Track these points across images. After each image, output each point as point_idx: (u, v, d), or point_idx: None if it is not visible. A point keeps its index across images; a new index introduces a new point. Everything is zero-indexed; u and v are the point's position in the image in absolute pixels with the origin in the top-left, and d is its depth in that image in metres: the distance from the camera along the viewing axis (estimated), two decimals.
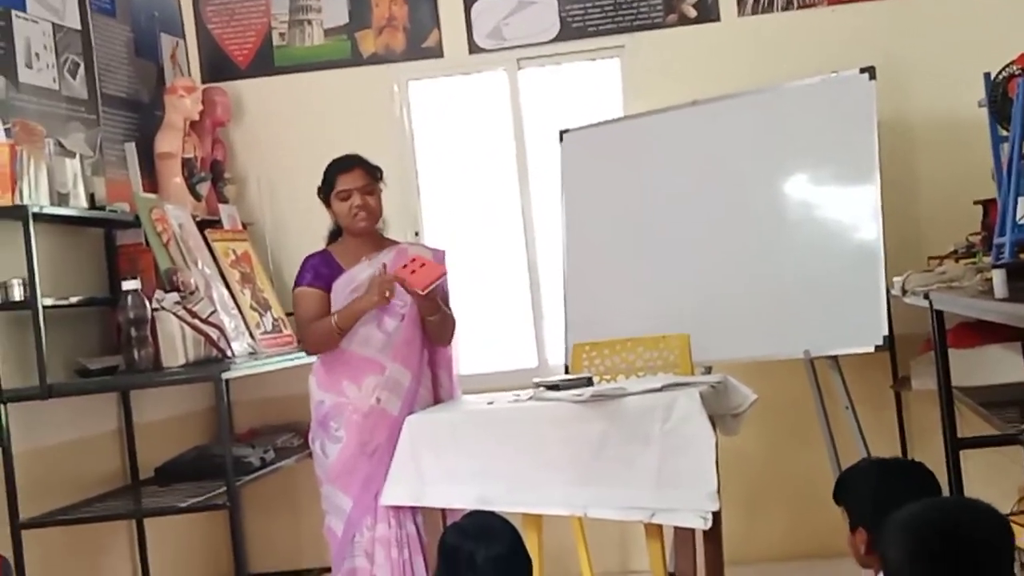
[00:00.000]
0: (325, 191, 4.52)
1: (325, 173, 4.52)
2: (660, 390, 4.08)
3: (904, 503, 2.27)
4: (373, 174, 4.52)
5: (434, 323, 4.43)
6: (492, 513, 3.21)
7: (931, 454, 4.49)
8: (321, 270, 4.49)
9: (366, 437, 4.33)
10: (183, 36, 6.18)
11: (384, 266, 4.39)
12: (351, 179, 4.46)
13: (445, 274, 4.36)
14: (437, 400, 4.56)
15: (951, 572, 2.05)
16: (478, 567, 3.00)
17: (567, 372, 5.25)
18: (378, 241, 4.58)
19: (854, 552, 3.04)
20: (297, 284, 4.52)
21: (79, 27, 5.16)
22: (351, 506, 4.33)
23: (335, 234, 4.63)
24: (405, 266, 4.29)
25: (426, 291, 4.25)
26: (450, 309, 4.55)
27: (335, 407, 4.39)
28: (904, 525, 2.15)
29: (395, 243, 4.63)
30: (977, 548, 2.07)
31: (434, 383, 4.57)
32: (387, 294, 4.30)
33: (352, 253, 4.51)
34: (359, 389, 4.36)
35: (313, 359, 4.54)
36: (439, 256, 4.61)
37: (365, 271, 4.42)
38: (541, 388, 4.35)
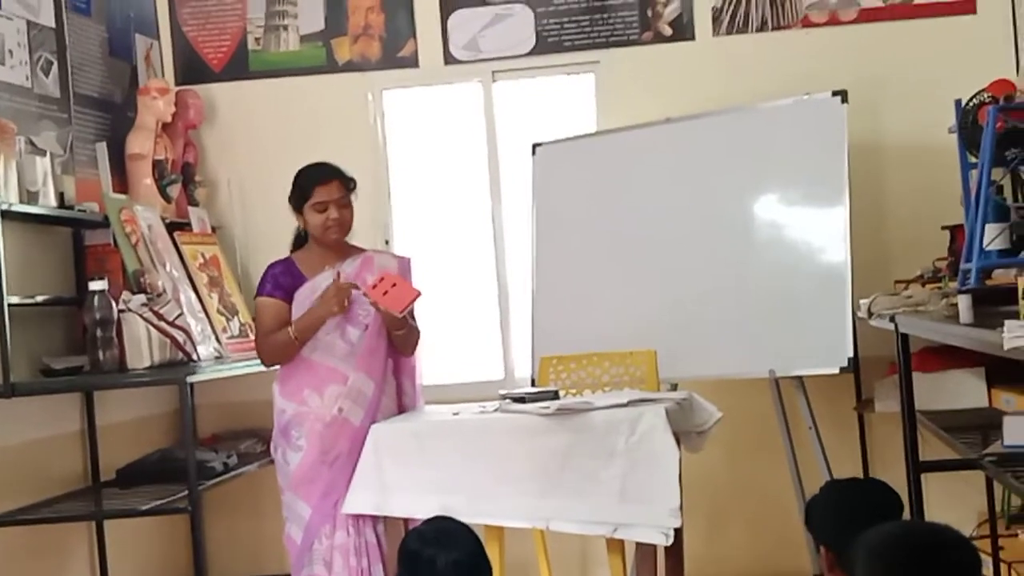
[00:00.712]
0: (298, 199, 4.47)
1: (299, 180, 4.47)
2: (626, 405, 4.09)
3: (866, 521, 2.28)
4: (348, 186, 4.49)
5: (400, 337, 4.43)
6: (453, 519, 3.20)
7: (893, 476, 4.51)
8: (282, 280, 4.45)
9: (327, 446, 4.31)
10: (158, 37, 6.16)
11: (339, 274, 4.37)
12: (328, 191, 4.42)
13: (419, 295, 4.32)
14: (401, 408, 4.55)
15: None
16: (438, 572, 3.01)
17: (533, 385, 5.25)
18: (343, 249, 4.55)
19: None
20: (258, 293, 4.50)
21: (54, 25, 5.13)
22: (310, 514, 4.32)
23: (300, 240, 4.60)
24: (375, 286, 4.24)
25: (403, 313, 4.24)
26: (415, 321, 4.53)
27: (297, 416, 4.37)
28: (874, 547, 2.15)
29: (361, 250, 4.60)
30: (947, 572, 2.07)
31: (398, 391, 4.56)
32: (344, 303, 4.28)
33: (316, 261, 4.48)
34: (321, 399, 4.35)
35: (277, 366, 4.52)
36: (404, 264, 4.60)
37: (328, 280, 4.39)
38: (507, 400, 4.36)
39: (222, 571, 5.97)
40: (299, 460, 4.34)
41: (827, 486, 3.28)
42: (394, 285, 4.25)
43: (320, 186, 4.42)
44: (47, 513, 4.61)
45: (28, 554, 4.63)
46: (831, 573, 2.95)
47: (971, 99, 4.15)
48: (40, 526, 4.60)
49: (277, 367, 4.48)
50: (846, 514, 2.87)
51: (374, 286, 4.24)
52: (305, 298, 4.40)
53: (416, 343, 4.55)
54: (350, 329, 4.39)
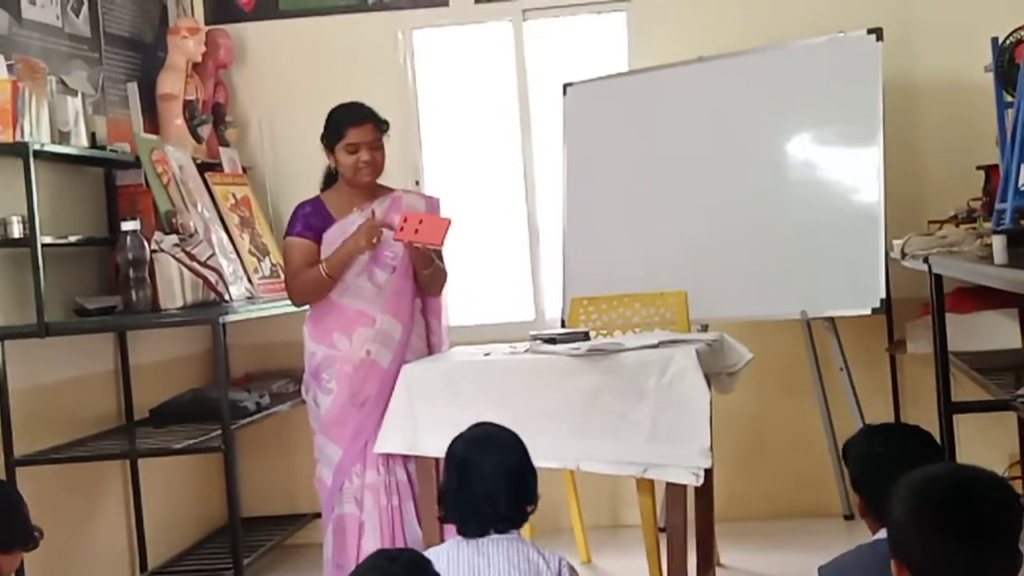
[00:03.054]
0: (331, 139, 4.43)
1: (332, 121, 4.43)
2: (656, 346, 4.09)
3: (903, 468, 2.27)
4: (381, 128, 4.45)
5: (427, 276, 4.42)
6: (496, 424, 3.23)
7: (924, 417, 4.50)
8: (312, 220, 4.44)
9: (356, 389, 4.32)
10: None
11: (373, 212, 4.36)
12: (361, 133, 4.38)
13: (451, 222, 4.28)
14: (430, 348, 4.56)
15: (959, 536, 2.04)
16: (486, 474, 3.06)
17: (564, 326, 5.26)
18: (372, 189, 4.51)
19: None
20: (288, 233, 4.49)
21: None
22: (340, 455, 4.35)
23: (330, 178, 4.58)
24: (402, 228, 4.22)
25: (444, 243, 4.22)
26: (442, 261, 4.53)
27: (327, 359, 4.38)
28: (913, 486, 2.14)
29: (390, 190, 4.58)
30: (989, 515, 2.05)
31: (426, 331, 4.56)
32: (374, 240, 4.27)
33: (345, 202, 4.47)
34: (350, 342, 4.35)
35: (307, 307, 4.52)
36: (433, 204, 4.58)
37: (356, 222, 4.37)
38: (538, 341, 4.37)
39: (254, 509, 6.02)
40: (329, 403, 4.37)
41: (862, 430, 3.25)
42: (420, 221, 4.23)
43: (353, 127, 4.39)
44: (81, 452, 4.65)
45: (62, 492, 4.68)
46: (864, 518, 2.95)
47: (1008, 37, 4.10)
48: (74, 465, 4.63)
49: (307, 307, 4.49)
50: (880, 461, 2.86)
51: (400, 229, 4.23)
52: (335, 239, 4.39)
53: (443, 283, 4.54)
54: (378, 271, 4.39)
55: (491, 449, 3.14)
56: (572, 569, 3.09)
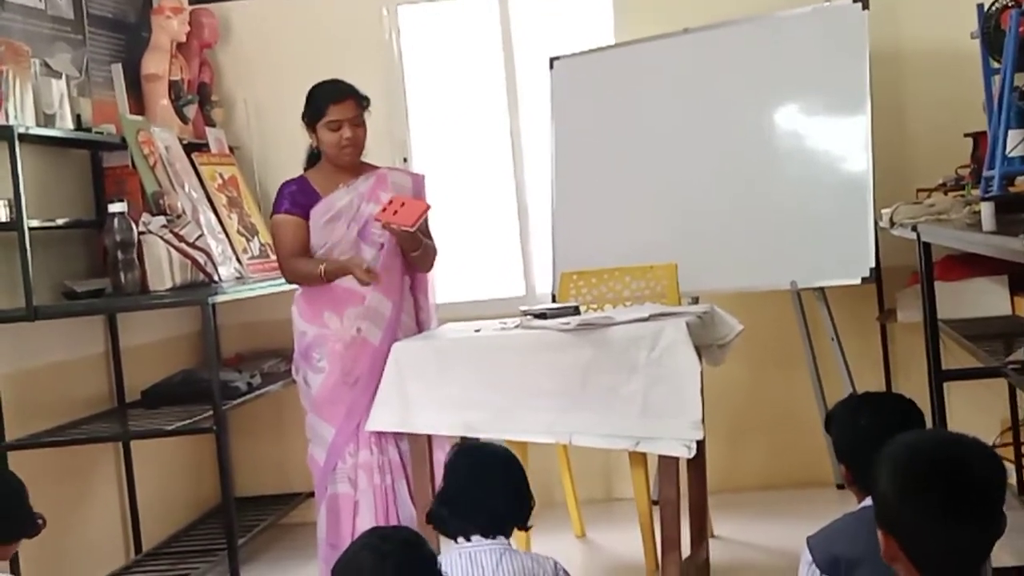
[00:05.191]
0: (312, 117, 4.43)
1: (313, 98, 4.43)
2: (647, 319, 4.09)
3: (885, 437, 2.27)
4: (363, 104, 4.45)
5: (416, 257, 4.42)
6: (497, 444, 3.24)
7: (915, 386, 4.52)
8: (298, 197, 4.44)
9: (348, 367, 4.33)
10: None
11: (369, 270, 4.34)
12: (342, 110, 4.38)
13: (429, 208, 4.32)
14: (419, 325, 4.55)
15: (942, 505, 2.04)
16: (486, 491, 3.04)
17: (554, 301, 5.26)
18: (357, 167, 4.51)
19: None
20: (275, 211, 4.48)
21: None
22: (333, 435, 4.35)
23: (314, 157, 4.57)
24: (384, 210, 4.24)
25: (415, 226, 4.22)
26: (431, 240, 4.52)
27: (317, 338, 4.38)
28: (896, 456, 2.13)
29: (374, 168, 4.57)
30: (971, 483, 2.05)
31: (415, 308, 4.56)
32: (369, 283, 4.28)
33: (330, 179, 4.46)
34: (340, 320, 4.36)
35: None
36: (419, 181, 4.58)
37: (343, 199, 4.38)
38: (528, 316, 4.37)
39: (247, 489, 6.02)
40: (321, 382, 4.37)
41: (845, 400, 3.26)
42: (402, 204, 4.25)
43: (335, 104, 4.38)
44: (73, 435, 4.65)
45: (55, 476, 4.68)
46: (851, 486, 2.96)
47: (993, 3, 4.09)
48: (67, 448, 4.64)
49: (297, 286, 4.49)
50: (864, 430, 2.87)
51: (383, 210, 4.23)
52: (319, 217, 4.39)
53: (433, 260, 4.54)
54: (365, 248, 4.38)
55: (493, 466, 3.10)
56: (567, 573, 3.08)
